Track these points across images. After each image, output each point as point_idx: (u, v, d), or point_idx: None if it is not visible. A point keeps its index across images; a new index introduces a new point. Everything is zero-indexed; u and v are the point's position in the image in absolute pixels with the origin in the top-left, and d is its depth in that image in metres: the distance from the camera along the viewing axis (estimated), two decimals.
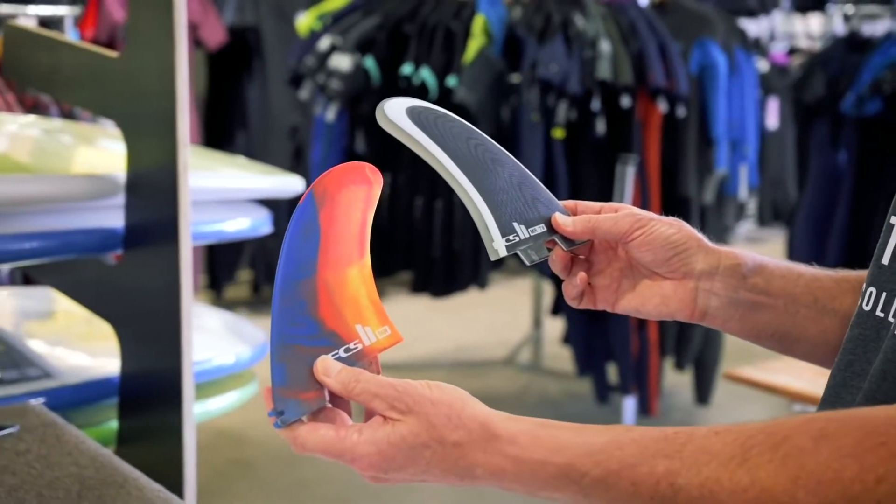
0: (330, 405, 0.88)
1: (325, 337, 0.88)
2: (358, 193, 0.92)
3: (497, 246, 1.01)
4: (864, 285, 0.94)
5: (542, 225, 1.04)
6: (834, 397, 0.94)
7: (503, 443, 0.83)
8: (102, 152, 2.37)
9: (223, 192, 2.05)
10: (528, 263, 1.04)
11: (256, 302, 5.62)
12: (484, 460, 0.83)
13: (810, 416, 0.78)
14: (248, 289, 5.79)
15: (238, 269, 5.63)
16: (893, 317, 0.88)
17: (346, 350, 0.89)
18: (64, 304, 2.32)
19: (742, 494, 0.75)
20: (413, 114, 1.03)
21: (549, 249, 1.05)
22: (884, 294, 0.91)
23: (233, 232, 2.05)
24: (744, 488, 0.75)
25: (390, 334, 0.91)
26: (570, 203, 1.07)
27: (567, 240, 1.05)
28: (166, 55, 1.60)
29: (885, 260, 0.92)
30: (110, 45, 4.44)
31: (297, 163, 5.19)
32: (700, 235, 1.05)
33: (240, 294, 5.78)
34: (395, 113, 1.02)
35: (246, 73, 5.31)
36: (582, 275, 1.07)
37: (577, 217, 1.05)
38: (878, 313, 0.91)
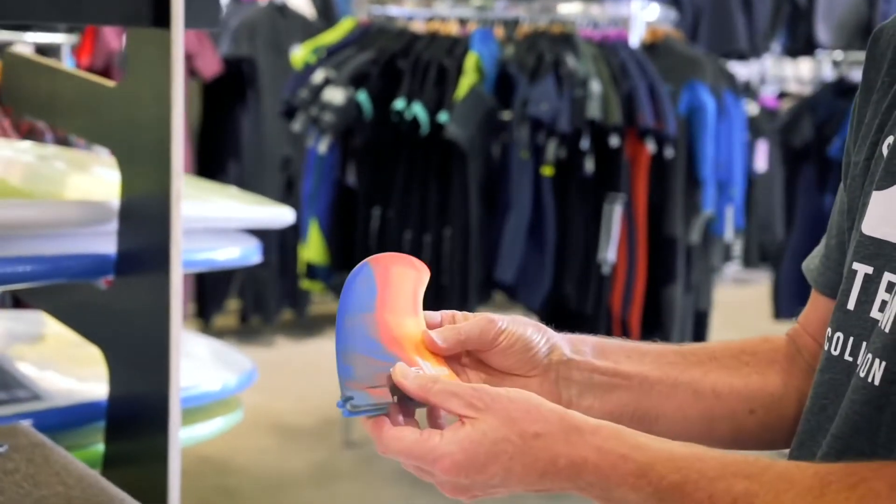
0: (400, 417, 0.88)
1: (388, 355, 0.90)
2: (408, 273, 0.96)
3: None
4: (830, 330, 0.97)
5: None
6: (810, 440, 0.96)
7: (586, 433, 0.84)
8: (96, 179, 2.40)
9: (214, 220, 2.07)
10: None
11: (244, 331, 5.64)
12: (566, 451, 0.83)
13: (886, 462, 0.80)
14: (236, 318, 5.80)
15: (227, 299, 5.65)
16: (860, 360, 0.91)
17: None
18: (54, 328, 2.34)
19: None
20: None
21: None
22: (851, 339, 0.94)
23: (223, 261, 2.08)
24: None
25: (448, 374, 0.93)
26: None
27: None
28: (162, 86, 1.63)
29: (851, 305, 0.95)
30: (106, 72, 4.47)
31: (288, 194, 5.23)
32: (544, 326, 1.01)
33: (228, 323, 5.79)
34: None
35: (240, 104, 5.35)
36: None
37: (443, 330, 0.96)
38: (847, 357, 0.94)
